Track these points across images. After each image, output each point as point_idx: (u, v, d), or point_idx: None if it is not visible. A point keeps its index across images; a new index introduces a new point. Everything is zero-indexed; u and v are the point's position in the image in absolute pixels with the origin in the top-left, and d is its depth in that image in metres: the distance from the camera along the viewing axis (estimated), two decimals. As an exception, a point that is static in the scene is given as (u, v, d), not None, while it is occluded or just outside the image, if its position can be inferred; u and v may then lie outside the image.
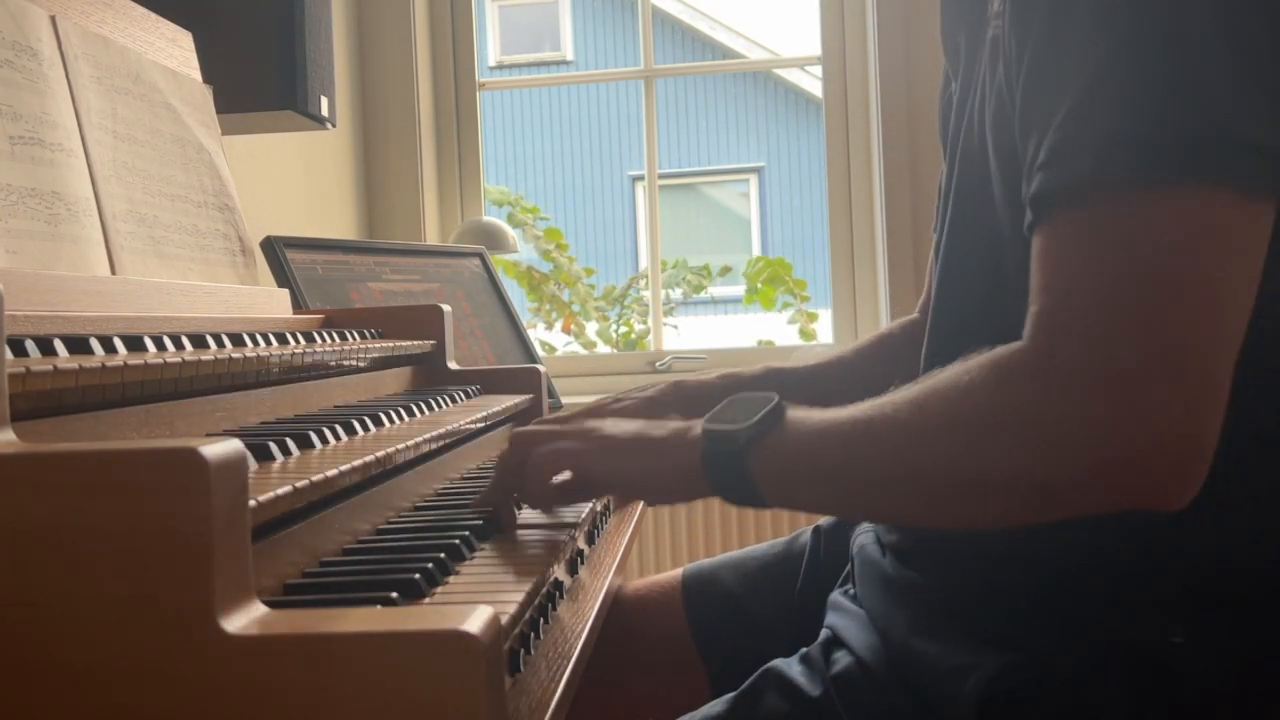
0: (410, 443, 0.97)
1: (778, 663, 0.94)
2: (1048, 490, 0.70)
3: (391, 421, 1.08)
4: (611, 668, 1.13)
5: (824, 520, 1.18)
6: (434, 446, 1.05)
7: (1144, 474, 0.68)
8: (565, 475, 0.94)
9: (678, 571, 1.23)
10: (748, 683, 0.93)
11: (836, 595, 1.01)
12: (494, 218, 2.82)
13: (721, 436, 0.82)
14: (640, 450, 0.88)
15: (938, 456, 0.73)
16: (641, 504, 1.40)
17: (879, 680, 0.88)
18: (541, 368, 1.56)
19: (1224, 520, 0.77)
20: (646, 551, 2.73)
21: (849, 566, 1.03)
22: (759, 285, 3.31)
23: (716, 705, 0.93)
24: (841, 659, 0.91)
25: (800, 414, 0.81)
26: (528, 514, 1.04)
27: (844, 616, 0.96)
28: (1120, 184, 0.67)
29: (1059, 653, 0.78)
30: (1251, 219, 0.68)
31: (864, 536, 1.00)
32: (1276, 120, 0.67)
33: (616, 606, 1.20)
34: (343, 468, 0.82)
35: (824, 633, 0.96)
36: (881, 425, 0.76)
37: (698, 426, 0.85)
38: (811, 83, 9.51)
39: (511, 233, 2.68)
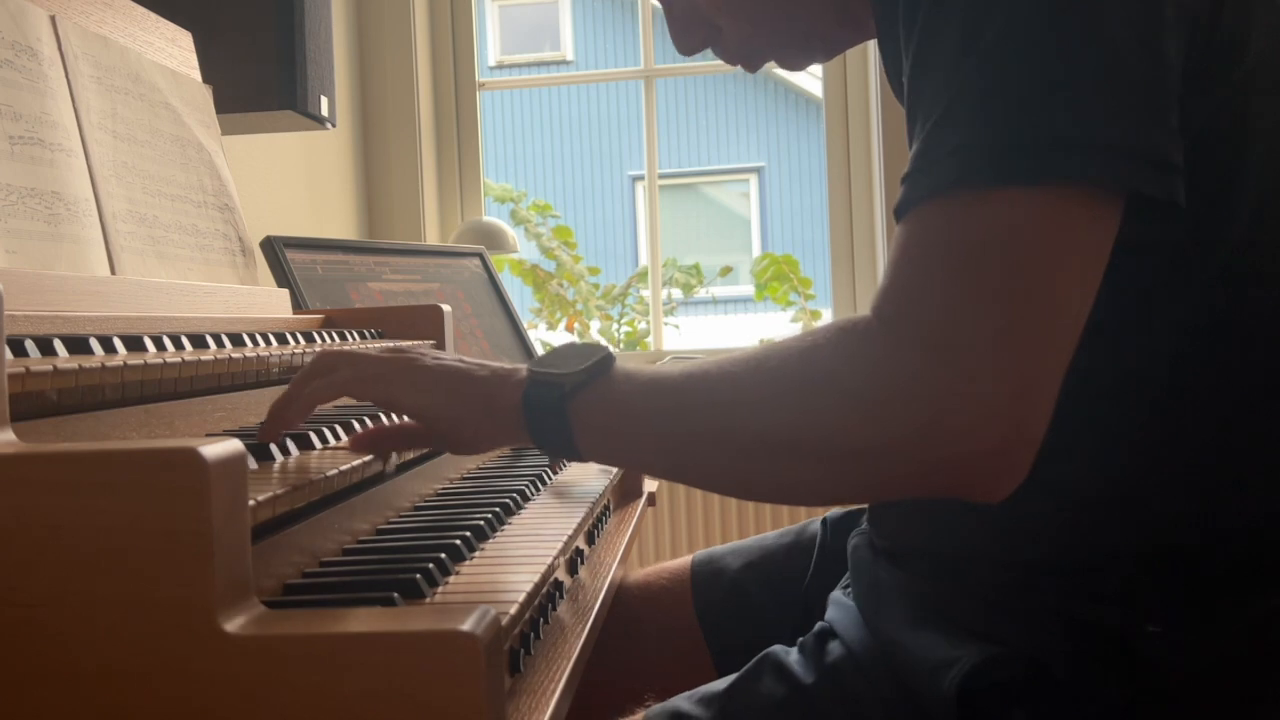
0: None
1: (777, 649, 0.95)
2: (864, 456, 0.71)
3: (392, 421, 1.08)
4: (617, 649, 1.14)
5: (831, 512, 1.19)
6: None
7: (961, 453, 0.69)
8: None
9: (686, 558, 1.24)
10: (747, 666, 0.94)
11: (837, 593, 1.02)
12: (494, 218, 2.82)
13: (546, 380, 0.82)
14: (457, 386, 0.86)
15: (764, 412, 0.74)
16: (641, 503, 1.40)
17: (868, 672, 0.89)
18: (541, 368, 1.55)
19: (1200, 512, 0.78)
20: (647, 551, 2.73)
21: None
22: (765, 282, 3.31)
23: (716, 685, 0.94)
24: (835, 650, 0.93)
25: (633, 367, 0.83)
26: (527, 513, 1.04)
27: (840, 610, 0.98)
28: (967, 186, 0.70)
29: (1038, 644, 0.79)
30: (1093, 218, 0.70)
31: (858, 539, 1.01)
32: (1122, 119, 0.69)
33: (624, 591, 1.21)
34: (343, 468, 0.82)
35: (821, 624, 0.98)
36: (715, 379, 0.77)
37: (524, 370, 0.85)
38: (811, 83, 9.51)
39: (511, 232, 2.68)
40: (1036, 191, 0.68)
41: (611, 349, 0.83)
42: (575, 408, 0.80)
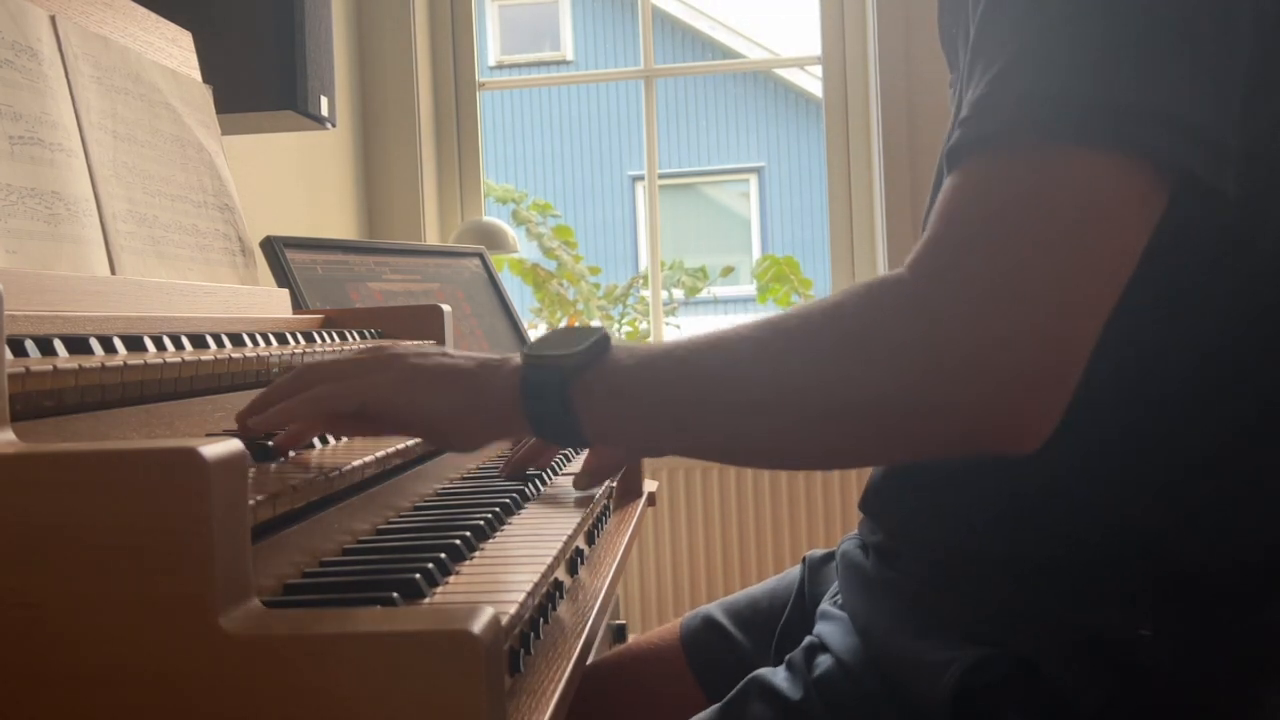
0: (410, 442, 0.97)
1: (763, 671, 0.94)
2: (893, 410, 0.69)
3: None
4: (615, 707, 1.14)
5: (812, 551, 1.19)
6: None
7: (1002, 401, 0.68)
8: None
9: (676, 621, 1.24)
10: (733, 692, 0.93)
11: (825, 605, 1.01)
12: (494, 218, 2.82)
13: (543, 363, 0.79)
14: (446, 382, 0.82)
15: (790, 372, 0.72)
16: (641, 503, 1.40)
17: (859, 680, 0.88)
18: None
19: (1193, 516, 0.78)
20: (647, 551, 2.73)
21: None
22: (767, 283, 3.32)
23: (703, 715, 0.93)
24: (823, 662, 0.91)
25: (633, 344, 0.79)
26: (527, 513, 1.04)
27: (829, 623, 0.96)
28: (1022, 137, 0.69)
29: (1031, 647, 0.79)
30: (1146, 191, 0.69)
31: (848, 542, 1.00)
32: (1190, 96, 0.68)
33: (615, 657, 1.21)
34: (343, 468, 0.82)
35: (809, 639, 0.96)
36: (731, 343, 0.75)
37: (516, 357, 0.82)
38: (811, 83, 9.51)
39: (511, 232, 2.68)
40: (1099, 155, 0.67)
41: (605, 330, 0.81)
42: (578, 390, 0.77)
